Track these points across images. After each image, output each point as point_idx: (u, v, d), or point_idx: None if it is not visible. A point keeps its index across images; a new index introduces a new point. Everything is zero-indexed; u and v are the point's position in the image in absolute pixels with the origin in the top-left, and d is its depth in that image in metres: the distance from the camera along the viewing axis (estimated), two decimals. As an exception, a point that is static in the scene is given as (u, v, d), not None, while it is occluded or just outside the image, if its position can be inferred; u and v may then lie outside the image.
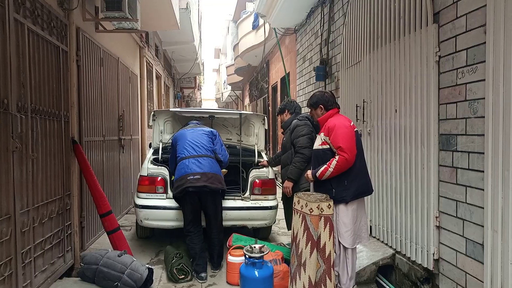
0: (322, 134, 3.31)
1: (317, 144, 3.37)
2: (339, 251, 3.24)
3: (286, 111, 4.34)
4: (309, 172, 3.40)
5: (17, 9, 2.73)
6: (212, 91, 42.17)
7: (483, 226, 2.58)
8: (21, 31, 2.79)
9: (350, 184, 3.20)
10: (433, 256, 3.14)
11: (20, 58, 2.76)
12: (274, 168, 5.69)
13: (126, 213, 6.28)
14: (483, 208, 2.58)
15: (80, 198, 4.06)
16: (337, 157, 3.12)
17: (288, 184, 3.91)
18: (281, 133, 4.54)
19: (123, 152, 5.96)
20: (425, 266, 3.23)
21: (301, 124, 3.95)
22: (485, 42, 2.53)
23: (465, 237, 2.80)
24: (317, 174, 3.22)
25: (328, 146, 3.24)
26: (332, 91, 5.66)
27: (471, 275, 2.73)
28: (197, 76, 19.02)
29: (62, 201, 3.54)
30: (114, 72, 5.48)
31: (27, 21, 2.86)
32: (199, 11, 14.17)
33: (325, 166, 3.17)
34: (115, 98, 5.52)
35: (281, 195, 4.36)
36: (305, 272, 2.99)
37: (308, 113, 3.80)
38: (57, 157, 3.44)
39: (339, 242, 3.22)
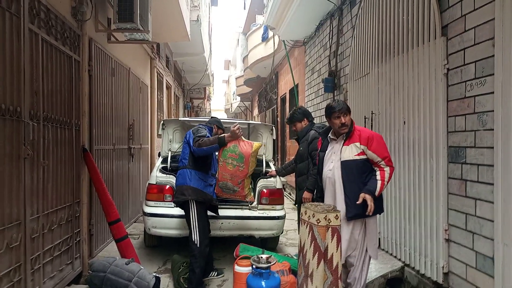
0: (357, 143, 3.05)
1: (351, 155, 3.07)
2: (359, 263, 3.18)
3: (305, 119, 4.25)
4: (367, 197, 2.93)
5: (32, 20, 2.81)
6: (221, 101, 42.48)
7: (493, 240, 2.55)
8: (35, 41, 2.86)
9: (381, 196, 3.13)
10: (443, 269, 3.10)
11: (33, 67, 2.83)
12: (282, 178, 5.65)
13: (135, 222, 6.30)
14: (493, 221, 2.55)
15: (89, 206, 4.10)
16: (387, 168, 2.99)
17: (308, 195, 3.84)
18: (295, 139, 4.46)
19: (132, 161, 6.02)
20: (435, 279, 3.19)
21: (319, 136, 3.90)
22: (493, 55, 2.54)
23: (475, 251, 2.77)
24: (376, 193, 2.96)
25: (365, 156, 3.05)
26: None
27: (481, 290, 2.68)
28: (206, 87, 19.19)
29: (71, 208, 3.57)
30: (125, 82, 5.57)
31: (41, 31, 2.94)
32: (210, 23, 14.37)
33: (380, 182, 2.97)
34: (126, 107, 5.60)
35: (293, 204, 4.32)
36: (312, 283, 2.97)
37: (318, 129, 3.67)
38: (67, 164, 3.49)
39: (362, 255, 3.14)
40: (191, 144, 3.68)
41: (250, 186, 4.02)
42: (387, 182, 2.99)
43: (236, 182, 3.81)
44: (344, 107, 3.11)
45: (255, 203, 4.58)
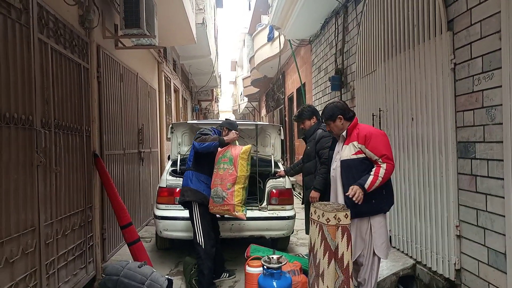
0: (355, 142, 3.07)
1: (349, 154, 3.09)
2: (368, 262, 3.18)
3: (314, 117, 4.22)
4: (355, 187, 2.95)
5: (41, 30, 2.87)
6: (229, 103, 42.61)
7: (505, 235, 2.53)
8: (45, 50, 2.92)
9: (387, 193, 3.10)
10: (455, 266, 3.09)
11: (44, 76, 2.89)
12: (292, 178, 5.64)
13: (146, 225, 6.36)
14: (504, 216, 2.53)
15: (101, 210, 4.16)
16: (384, 165, 2.96)
17: (315, 194, 3.84)
18: (302, 138, 4.43)
19: (142, 165, 6.08)
20: (447, 276, 3.17)
21: (326, 135, 3.87)
22: (500, 48, 2.51)
23: (486, 246, 2.75)
24: (367, 186, 2.94)
25: (363, 155, 3.05)
26: (348, 101, 5.66)
27: (494, 285, 2.66)
28: (214, 89, 19.25)
29: (84, 214, 3.63)
30: (134, 87, 5.63)
31: (50, 40, 3.00)
32: (215, 25, 14.42)
33: (372, 176, 2.95)
34: (135, 112, 5.66)
35: (301, 204, 4.28)
36: (323, 282, 2.97)
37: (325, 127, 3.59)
38: (79, 170, 3.54)
39: (371, 254, 3.14)
40: (193, 142, 3.77)
41: (243, 204, 3.77)
42: (383, 178, 2.95)
43: (225, 186, 3.67)
44: (325, 116, 3.26)
45: (264, 203, 4.60)
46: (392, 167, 2.99)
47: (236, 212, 3.70)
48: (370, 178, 2.96)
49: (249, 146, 3.85)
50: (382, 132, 3.21)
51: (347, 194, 2.99)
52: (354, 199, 2.92)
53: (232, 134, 3.87)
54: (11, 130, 2.44)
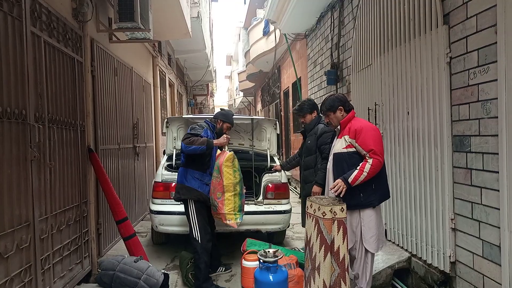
0: (346, 136, 3.12)
1: (340, 148, 3.16)
2: (360, 255, 3.20)
3: (315, 111, 4.20)
4: (338, 180, 3.04)
5: (34, 23, 2.83)
6: (224, 97, 42.52)
7: (499, 228, 2.55)
8: (38, 43, 2.88)
9: (377, 187, 3.11)
10: (450, 258, 3.11)
11: (37, 70, 2.85)
12: (287, 172, 5.64)
13: (142, 220, 6.35)
14: (499, 209, 2.54)
15: (96, 205, 4.14)
16: (370, 160, 2.98)
17: (317, 189, 3.83)
18: (301, 132, 4.40)
19: (138, 160, 6.05)
20: (442, 269, 3.19)
21: (328, 130, 3.86)
22: (496, 42, 2.51)
23: (481, 239, 2.76)
24: (350, 180, 2.97)
25: (354, 149, 3.09)
26: (344, 95, 5.66)
27: (489, 278, 2.68)
28: (209, 83, 19.20)
29: (79, 208, 3.61)
30: (128, 81, 5.59)
31: (43, 34, 2.96)
32: (210, 19, 14.34)
33: (357, 171, 2.97)
34: (129, 106, 5.62)
35: (298, 197, 4.27)
36: (319, 276, 2.98)
37: (324, 119, 3.64)
38: (73, 165, 3.52)
39: (362, 248, 3.16)
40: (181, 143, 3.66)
41: (238, 211, 3.74)
42: (368, 173, 2.96)
43: (215, 195, 3.68)
44: (325, 107, 3.29)
45: (260, 197, 4.60)
46: (378, 163, 2.99)
47: (228, 220, 3.69)
48: (355, 172, 3.00)
49: (231, 153, 3.75)
50: (374, 126, 3.21)
51: (330, 187, 3.08)
52: (333, 191, 3.01)
53: (223, 138, 3.78)
54: (4, 125, 2.41)
